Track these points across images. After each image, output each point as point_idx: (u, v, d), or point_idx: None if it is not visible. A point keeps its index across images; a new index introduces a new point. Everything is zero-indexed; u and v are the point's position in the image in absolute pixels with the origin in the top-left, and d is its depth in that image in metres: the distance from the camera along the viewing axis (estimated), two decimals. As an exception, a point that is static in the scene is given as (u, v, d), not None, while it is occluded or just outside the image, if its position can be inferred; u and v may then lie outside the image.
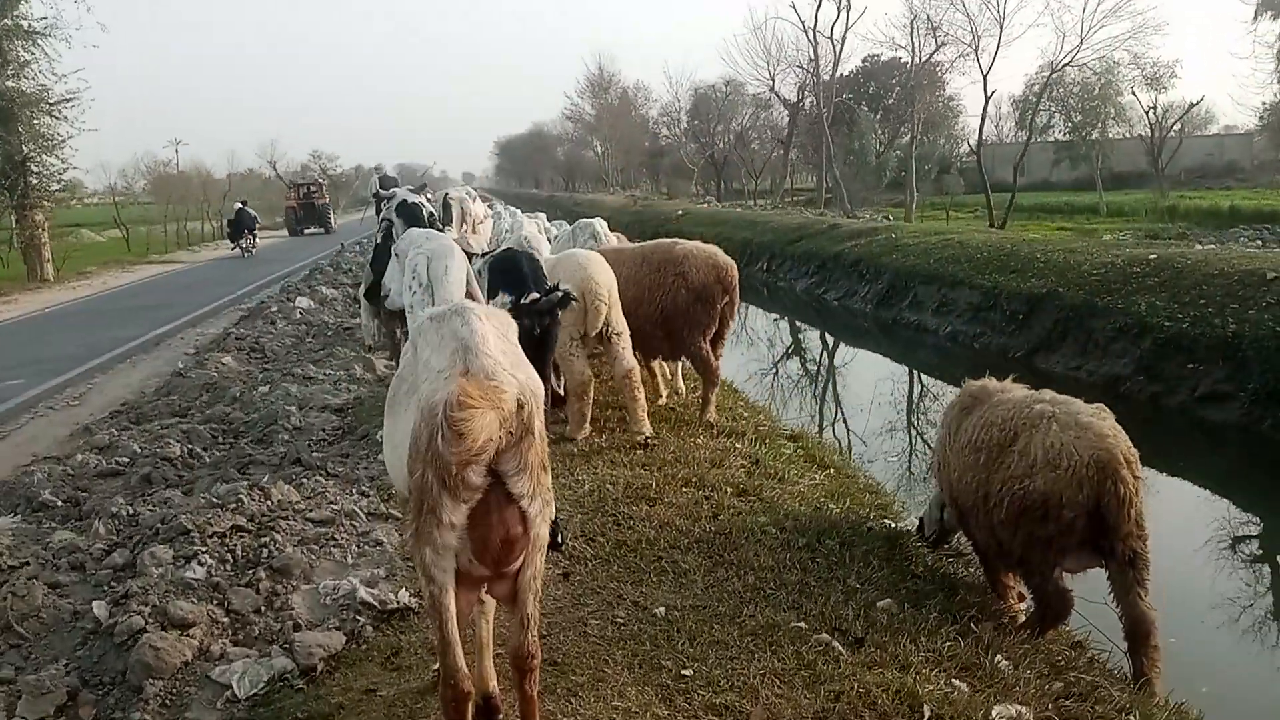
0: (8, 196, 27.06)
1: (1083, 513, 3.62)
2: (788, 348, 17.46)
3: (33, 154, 27.64)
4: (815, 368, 15.91)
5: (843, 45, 40.24)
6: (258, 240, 35.98)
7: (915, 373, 14.75)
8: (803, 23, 40.33)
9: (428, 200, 19.13)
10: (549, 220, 14.04)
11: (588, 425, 6.46)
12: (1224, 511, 8.09)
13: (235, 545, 4.07)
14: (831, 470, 5.86)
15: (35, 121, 27.65)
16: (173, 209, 47.09)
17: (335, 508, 4.68)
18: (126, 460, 6.34)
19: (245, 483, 4.89)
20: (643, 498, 5.04)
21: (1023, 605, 4.17)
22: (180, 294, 22.87)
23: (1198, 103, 49.60)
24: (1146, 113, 46.40)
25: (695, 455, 5.82)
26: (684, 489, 5.17)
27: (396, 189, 5.19)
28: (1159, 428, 10.65)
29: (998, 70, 30.85)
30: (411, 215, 5.04)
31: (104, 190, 59.94)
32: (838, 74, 42.59)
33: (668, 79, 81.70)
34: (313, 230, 47.10)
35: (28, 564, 4.28)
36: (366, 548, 4.30)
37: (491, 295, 4.31)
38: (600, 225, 7.77)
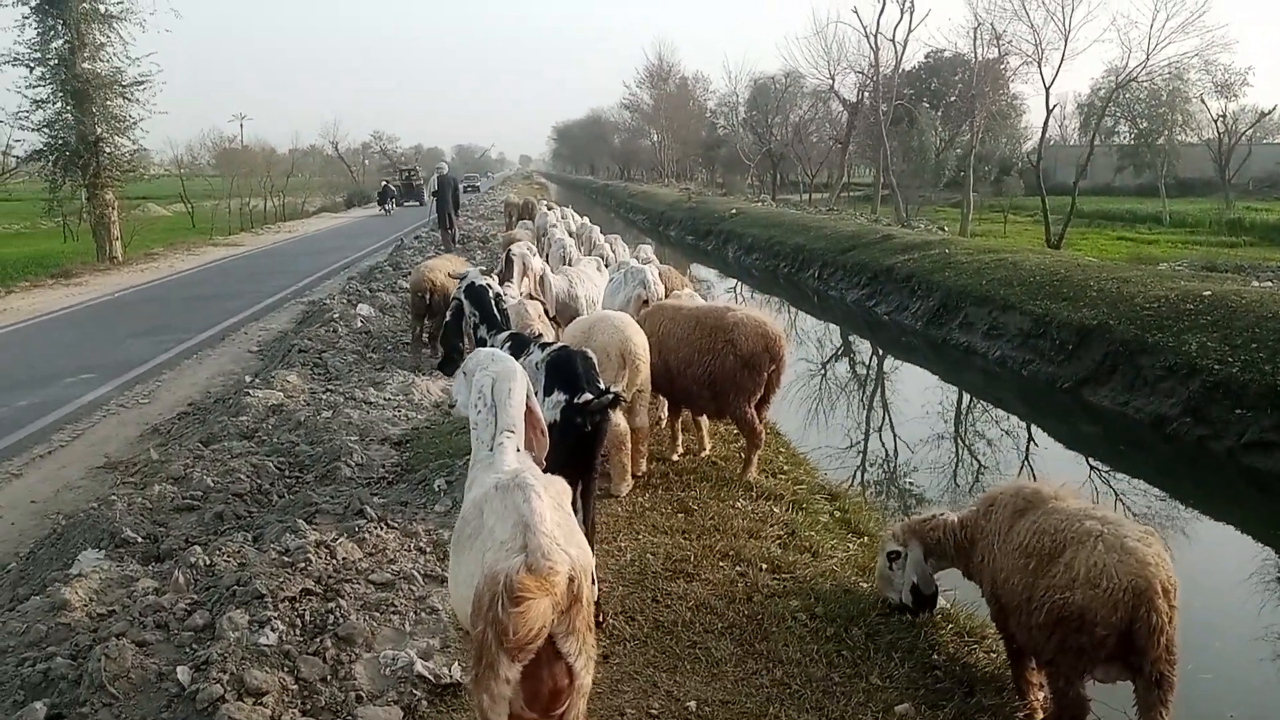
0: (80, 175, 27.95)
1: (1115, 632, 3.83)
2: (836, 364, 17.59)
3: (105, 135, 28.48)
4: (862, 387, 16.06)
5: (905, 48, 39.93)
6: (392, 209, 52.08)
7: (963, 397, 14.86)
8: (864, 27, 40.07)
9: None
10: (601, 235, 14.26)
11: (629, 478, 6.79)
12: (1266, 559, 8.16)
13: (304, 610, 4.43)
14: (865, 539, 6.09)
15: (109, 103, 28.48)
16: (237, 185, 48.06)
17: (395, 569, 5.03)
18: (200, 495, 6.76)
19: (313, 538, 5.24)
20: (681, 572, 5.32)
21: (1040, 706, 4.36)
22: (243, 283, 23.52)
23: (1270, 111, 48.53)
24: (1215, 120, 45.49)
25: (733, 523, 6.09)
26: (721, 563, 5.45)
27: (466, 270, 5.51)
28: (1203, 471, 10.69)
29: (1063, 71, 30.61)
30: (479, 299, 5.36)
31: (170, 163, 61.41)
32: (899, 72, 42.18)
33: (726, 71, 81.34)
34: (410, 203, 54.56)
35: (114, 611, 4.69)
36: (423, 615, 4.64)
37: (548, 392, 4.60)
38: (651, 272, 8.02)
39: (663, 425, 8.22)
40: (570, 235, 15.17)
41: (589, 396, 4.52)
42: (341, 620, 4.40)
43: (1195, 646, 4.25)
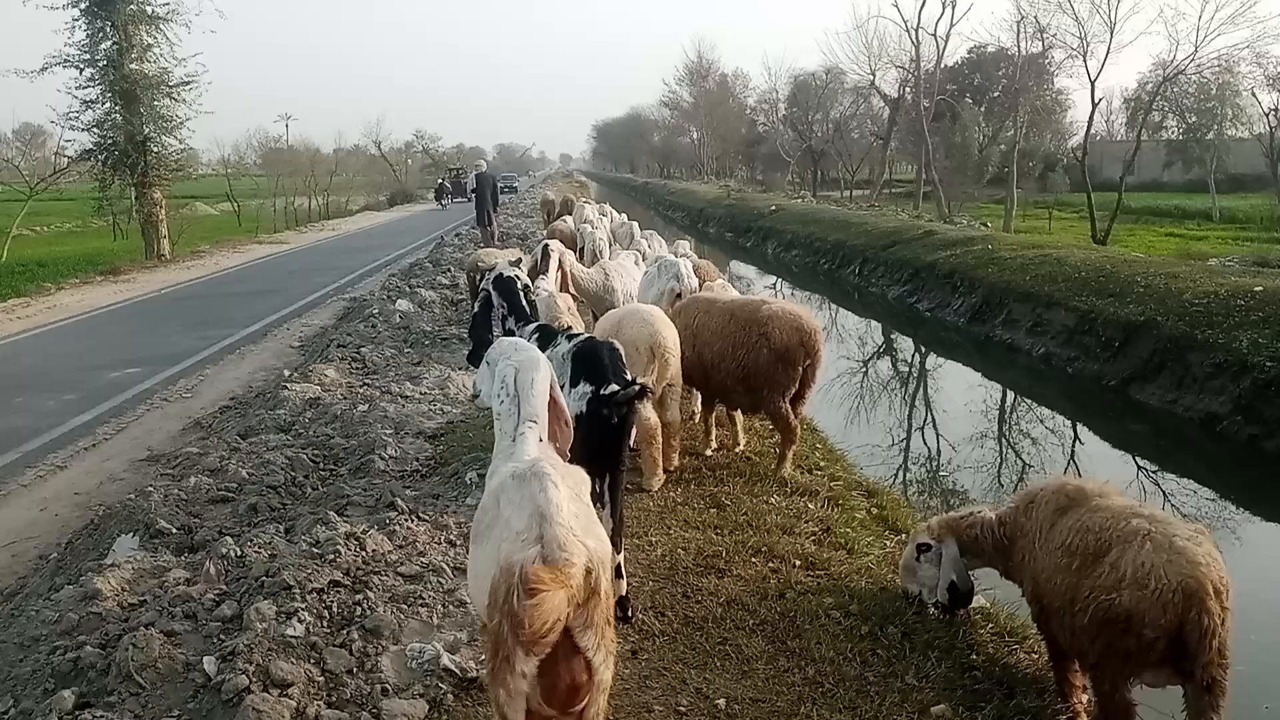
0: (129, 174, 28.44)
1: (1164, 635, 3.67)
2: (876, 361, 17.41)
3: (153, 134, 28.99)
4: (903, 384, 15.86)
5: (946, 43, 39.44)
6: (448, 203, 54.65)
7: (1006, 394, 14.63)
8: (905, 22, 39.63)
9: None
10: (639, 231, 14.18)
11: (661, 472, 6.71)
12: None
13: (332, 602, 4.41)
14: (903, 536, 5.94)
15: (156, 103, 28.99)
16: (282, 184, 48.67)
17: (424, 561, 4.99)
18: (235, 486, 6.79)
19: (343, 529, 5.23)
20: (712, 568, 5.23)
21: (1084, 710, 4.23)
22: (287, 280, 23.76)
23: (1325, 106, 47.18)
24: (1267, 114, 44.38)
25: (767, 519, 5.98)
26: (753, 559, 5.35)
27: (495, 261, 5.46)
28: (1255, 471, 10.43)
29: (1109, 65, 29.95)
30: (507, 289, 5.31)
31: (217, 163, 62.43)
32: (941, 67, 41.68)
33: (766, 68, 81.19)
34: (460, 200, 54.95)
35: (145, 601, 4.70)
36: (451, 608, 4.60)
37: (574, 384, 4.53)
38: (685, 265, 7.92)
39: (696, 419, 8.14)
40: (608, 231, 15.10)
41: (615, 388, 4.44)
42: (369, 612, 4.37)
43: (1239, 643, 4.07)
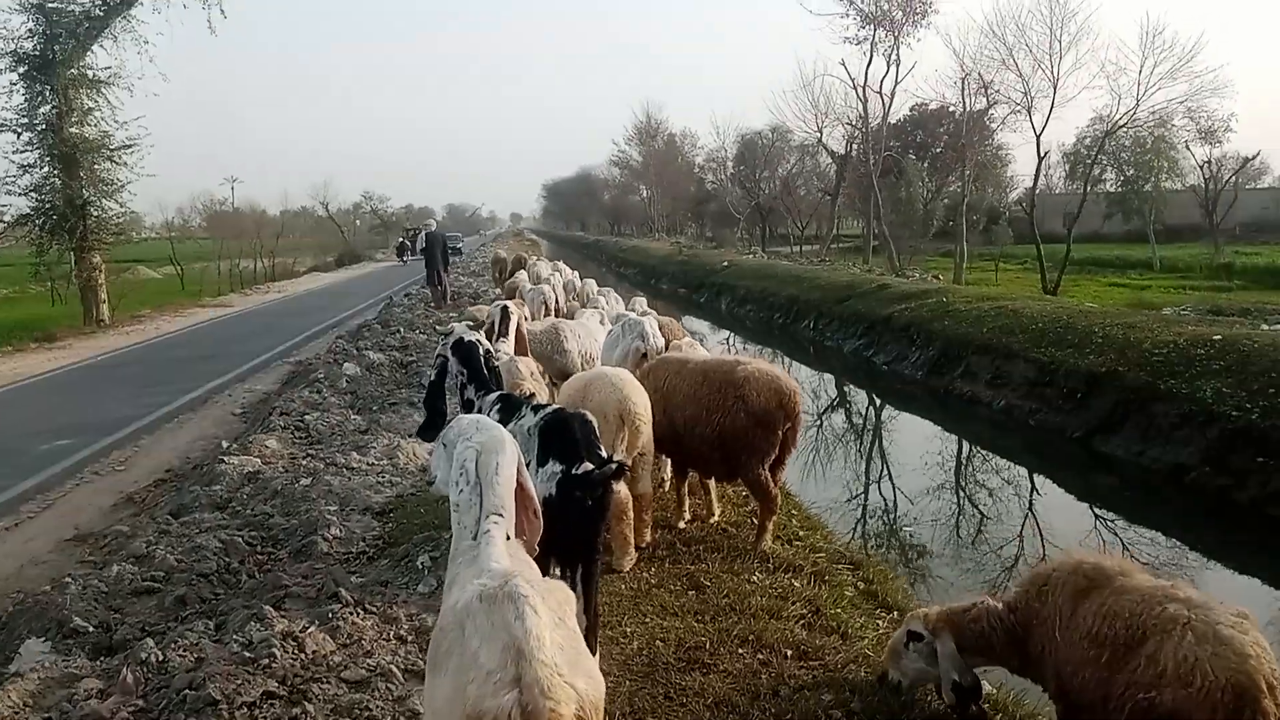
0: (67, 239, 27.66)
1: None
2: (838, 417, 17.12)
3: (92, 198, 28.30)
4: (868, 441, 15.55)
5: (892, 100, 40.09)
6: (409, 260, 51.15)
7: (971, 449, 14.41)
8: (852, 79, 40.28)
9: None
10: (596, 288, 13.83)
11: (633, 551, 6.20)
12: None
13: (265, 719, 3.84)
14: (895, 614, 5.50)
15: (96, 167, 28.33)
16: (227, 247, 47.89)
17: (371, 663, 4.43)
18: (162, 575, 6.16)
19: (280, 627, 4.66)
20: (696, 662, 4.71)
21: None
22: (230, 344, 23.05)
23: (1253, 157, 48.93)
24: (1200, 166, 45.80)
25: (751, 600, 5.48)
26: (740, 650, 4.85)
27: (454, 326, 4.98)
28: (1226, 523, 10.24)
29: (1051, 120, 30.63)
30: (468, 355, 4.82)
31: (161, 226, 61.40)
32: (887, 123, 42.36)
33: (715, 127, 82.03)
34: (418, 257, 55.05)
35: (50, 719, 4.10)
36: (402, 719, 4.05)
37: (542, 463, 4.05)
38: (650, 325, 7.50)
39: (667, 488, 7.64)
40: (563, 289, 14.80)
41: (589, 467, 3.96)
42: (308, 730, 3.81)
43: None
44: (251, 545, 6.80)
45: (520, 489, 3.04)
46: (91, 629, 5.23)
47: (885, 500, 11.76)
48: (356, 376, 14.21)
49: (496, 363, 6.37)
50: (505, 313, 6.75)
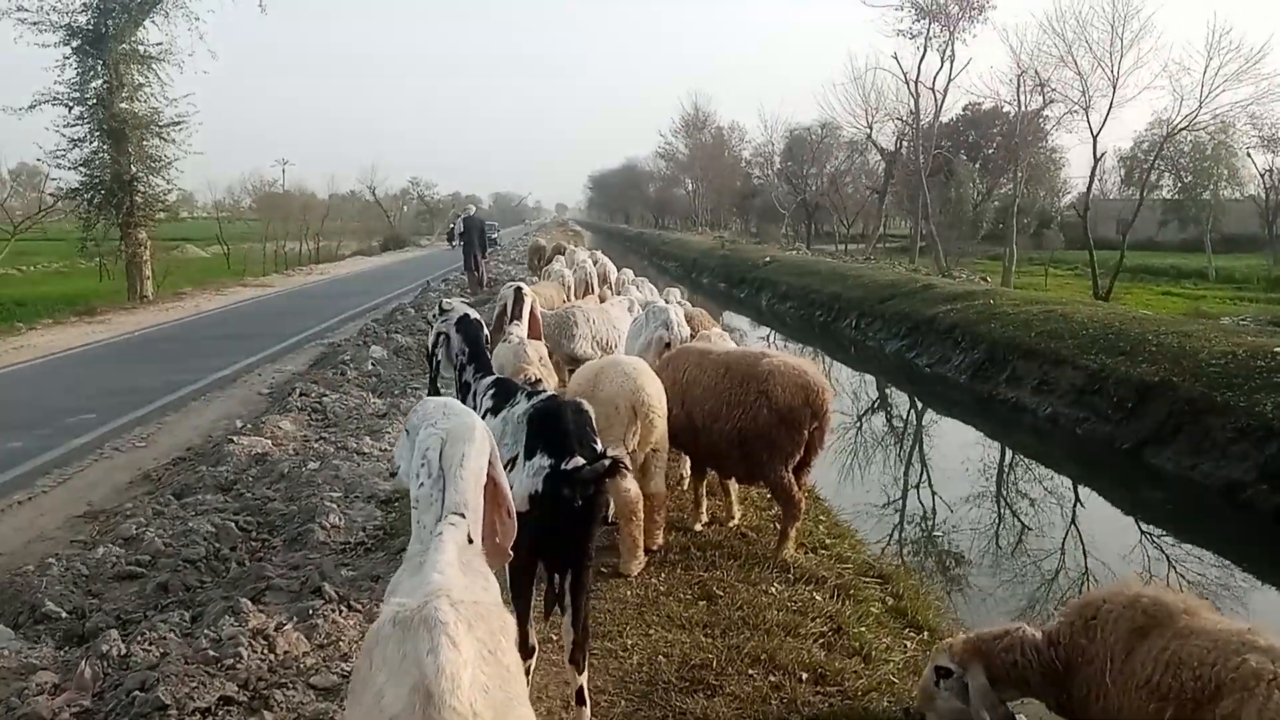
0: (114, 214, 27.89)
1: None
2: (876, 420, 16.58)
3: (140, 174, 28.49)
4: (907, 447, 15.00)
5: (945, 96, 39.23)
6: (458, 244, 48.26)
7: (1015, 458, 13.85)
8: (904, 74, 39.49)
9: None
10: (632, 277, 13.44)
11: (641, 554, 5.76)
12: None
13: (218, 728, 3.49)
14: (925, 635, 5.03)
15: (145, 143, 28.52)
16: (273, 228, 48.23)
17: (346, 667, 4.07)
18: (148, 559, 5.86)
19: (253, 623, 4.32)
20: (701, 683, 4.27)
21: None
22: (266, 323, 23.01)
23: (1319, 168, 47.26)
24: (1261, 175, 44.45)
25: (767, 615, 5.01)
26: (751, 671, 4.39)
27: (456, 302, 4.58)
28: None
29: (1107, 122, 29.60)
30: (472, 334, 4.43)
31: (211, 206, 62.14)
32: (939, 121, 41.51)
33: (763, 121, 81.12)
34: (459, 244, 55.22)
35: (-4, 713, 3.78)
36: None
37: (529, 455, 3.65)
38: (675, 313, 7.07)
39: (684, 488, 7.18)
40: (596, 276, 14.43)
41: (580, 461, 3.54)
42: (263, 743, 3.45)
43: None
44: (246, 530, 6.49)
45: (492, 485, 2.65)
46: (65, 615, 4.94)
47: (921, 509, 11.24)
48: (382, 359, 13.98)
49: (505, 343, 6.01)
50: (519, 294, 6.33)
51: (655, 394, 5.70)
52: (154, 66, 28.45)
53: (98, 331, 22.21)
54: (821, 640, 4.79)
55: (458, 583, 2.09)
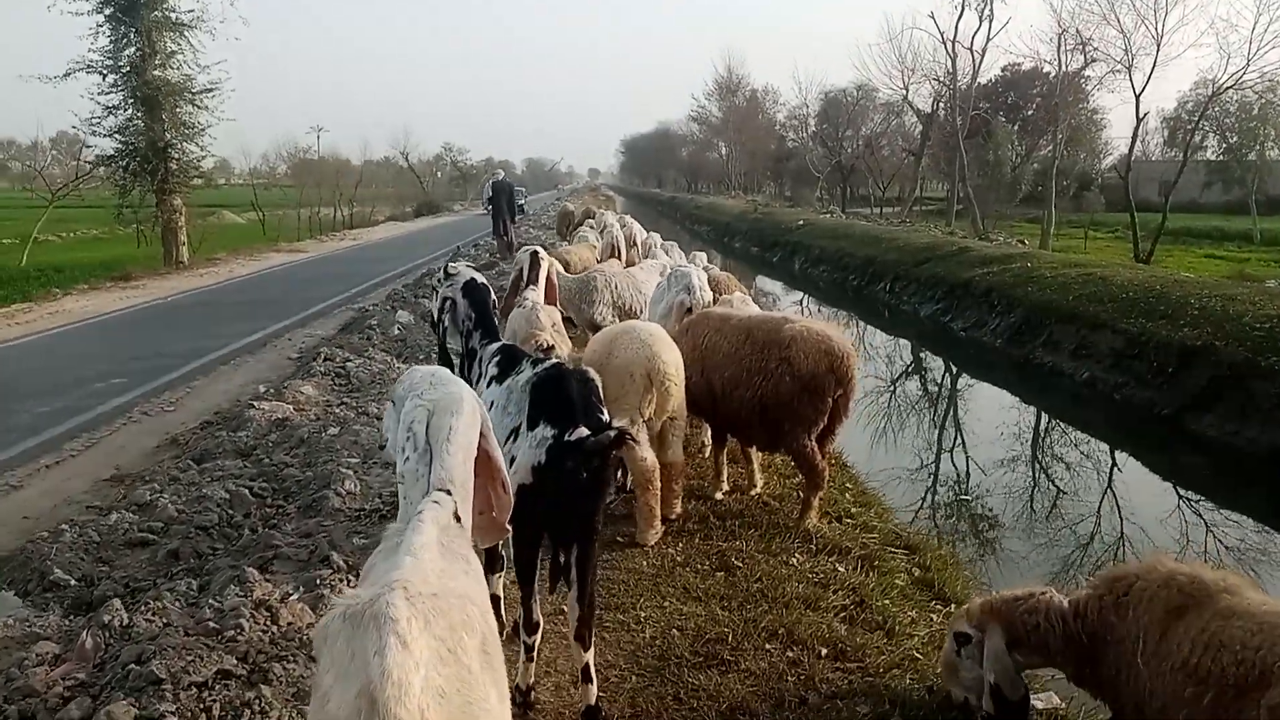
0: (149, 181, 28.07)
1: None
2: (909, 385, 16.29)
3: (174, 141, 28.62)
4: (941, 412, 14.72)
5: (983, 57, 38.32)
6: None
7: (1052, 424, 13.55)
8: (941, 33, 38.59)
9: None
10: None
11: (658, 524, 5.60)
12: None
13: (214, 701, 3.38)
14: (952, 607, 4.82)
15: (178, 110, 28.62)
16: (308, 194, 48.37)
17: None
18: (160, 526, 5.80)
19: (257, 594, 4.22)
20: (715, 658, 4.12)
21: None
22: (298, 288, 23.07)
23: (1369, 128, 45.77)
24: (1309, 135, 43.07)
25: (787, 587, 4.84)
26: (768, 645, 4.23)
27: (462, 266, 4.39)
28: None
29: (1149, 83, 28.69)
30: (479, 299, 4.25)
31: (246, 173, 62.46)
32: (977, 82, 40.61)
33: (797, 83, 79.95)
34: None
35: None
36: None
37: (532, 425, 3.48)
38: (697, 277, 6.84)
39: (705, 455, 7.00)
40: (624, 240, 14.22)
41: (584, 433, 3.36)
42: (259, 717, 3.34)
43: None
44: (261, 497, 6.41)
45: (485, 458, 2.50)
46: (73, 582, 4.88)
47: (953, 476, 10.99)
48: (409, 324, 13.90)
49: (524, 308, 5.83)
50: (535, 258, 6.11)
51: (672, 361, 5.51)
52: (186, 33, 28.49)
53: (132, 297, 22.38)
54: (843, 614, 4.61)
55: (428, 569, 1.91)
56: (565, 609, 3.73)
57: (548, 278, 6.14)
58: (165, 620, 4.10)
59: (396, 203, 68.88)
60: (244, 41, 47.82)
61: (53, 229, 40.50)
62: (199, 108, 28.94)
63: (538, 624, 3.70)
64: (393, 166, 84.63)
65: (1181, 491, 10.27)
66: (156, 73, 28.05)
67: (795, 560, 5.30)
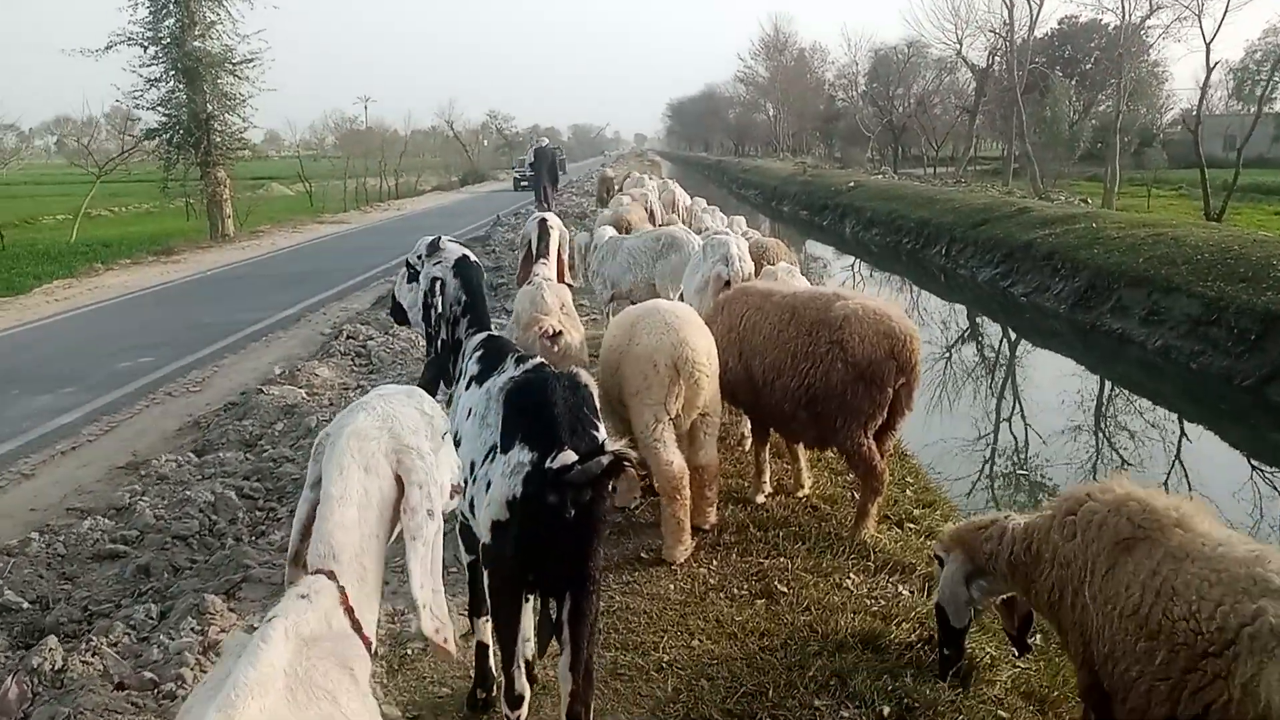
0: (193, 153, 27.99)
1: None
2: (969, 358, 15.39)
3: (215, 113, 28.54)
4: (1004, 385, 13.82)
5: (1040, 7, 36.70)
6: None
7: (1123, 396, 12.70)
8: (997, -17, 36.99)
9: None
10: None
11: (688, 538, 4.79)
12: None
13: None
14: (1037, 638, 4.02)
15: (219, 81, 28.52)
16: (354, 165, 48.28)
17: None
18: (135, 535, 5.21)
19: (214, 630, 3.60)
20: (753, 718, 3.38)
21: None
22: (338, 260, 22.78)
23: None
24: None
25: (840, 619, 4.06)
26: (818, 700, 3.46)
27: (448, 242, 3.64)
28: None
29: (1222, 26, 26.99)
30: (471, 280, 3.52)
31: (294, 145, 62.74)
32: (1033, 37, 39.01)
33: (846, 40, 78.07)
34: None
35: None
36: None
37: (505, 446, 2.75)
38: (736, 244, 6.04)
39: (746, 449, 6.22)
40: (659, 204, 13.47)
41: (570, 458, 2.61)
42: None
43: None
44: (252, 498, 5.80)
45: (405, 504, 1.79)
46: (26, 605, 4.31)
47: (1019, 459, 10.14)
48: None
49: (535, 284, 5.11)
50: (544, 227, 5.27)
51: (702, 348, 4.72)
52: (225, 3, 28.38)
53: (172, 271, 22.23)
54: (908, 655, 3.82)
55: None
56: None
57: (560, 254, 5.32)
58: (103, 665, 3.49)
59: (442, 172, 68.75)
60: (293, 14, 47.62)
61: (105, 204, 40.90)
62: (240, 78, 28.82)
63: (521, 696, 2.93)
64: (439, 136, 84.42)
65: (1260, 466, 9.58)
66: (196, 43, 28.01)
67: (850, 581, 4.49)
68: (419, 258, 3.79)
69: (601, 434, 2.76)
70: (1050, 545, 3.14)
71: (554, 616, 2.75)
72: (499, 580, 2.74)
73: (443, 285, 3.69)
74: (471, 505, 2.86)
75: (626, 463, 2.53)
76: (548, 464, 2.57)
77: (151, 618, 4.00)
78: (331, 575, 1.61)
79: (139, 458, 8.47)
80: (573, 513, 2.54)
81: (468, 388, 3.19)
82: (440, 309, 3.68)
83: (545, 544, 2.68)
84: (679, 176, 51.43)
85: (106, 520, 5.41)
